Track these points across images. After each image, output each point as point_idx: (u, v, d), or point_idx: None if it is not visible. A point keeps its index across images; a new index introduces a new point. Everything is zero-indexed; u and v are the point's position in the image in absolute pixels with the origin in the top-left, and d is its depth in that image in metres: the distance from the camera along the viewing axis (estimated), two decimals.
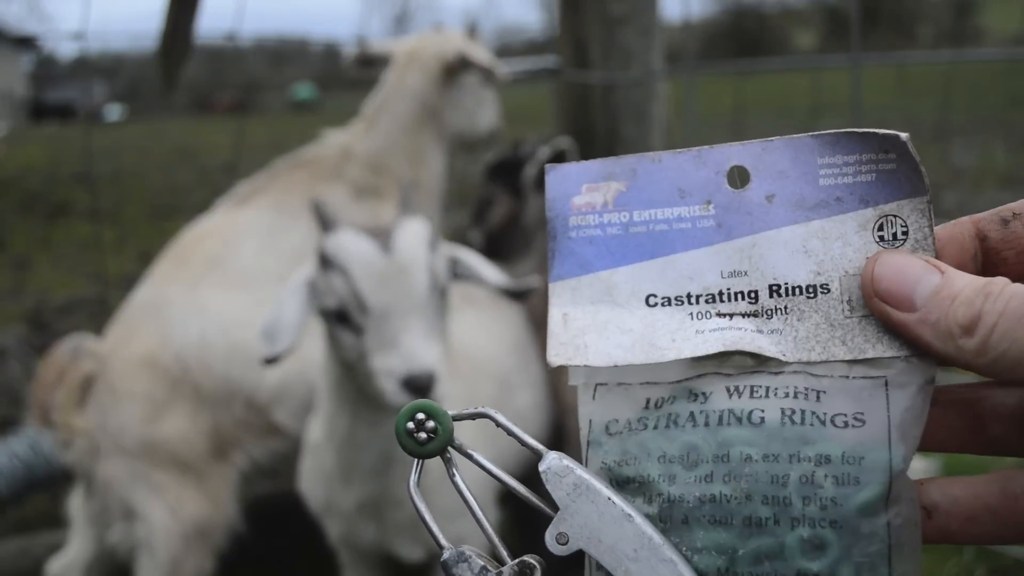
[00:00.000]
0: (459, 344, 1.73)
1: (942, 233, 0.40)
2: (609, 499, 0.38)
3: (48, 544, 2.08)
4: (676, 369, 0.41)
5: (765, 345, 0.39)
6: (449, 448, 0.41)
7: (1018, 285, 0.35)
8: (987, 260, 0.40)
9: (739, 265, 0.40)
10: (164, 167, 9.38)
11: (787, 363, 0.39)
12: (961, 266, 0.40)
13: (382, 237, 1.37)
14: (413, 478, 0.40)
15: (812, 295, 0.40)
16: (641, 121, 2.26)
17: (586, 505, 0.38)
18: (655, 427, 0.40)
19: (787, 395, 0.38)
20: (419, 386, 1.29)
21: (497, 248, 2.09)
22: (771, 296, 0.40)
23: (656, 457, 0.39)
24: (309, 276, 1.40)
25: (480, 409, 0.41)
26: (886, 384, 0.38)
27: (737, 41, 27.38)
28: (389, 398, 1.31)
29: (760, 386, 0.39)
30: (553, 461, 0.39)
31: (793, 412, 0.38)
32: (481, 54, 2.23)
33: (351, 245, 1.36)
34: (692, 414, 0.39)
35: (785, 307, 0.40)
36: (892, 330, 0.38)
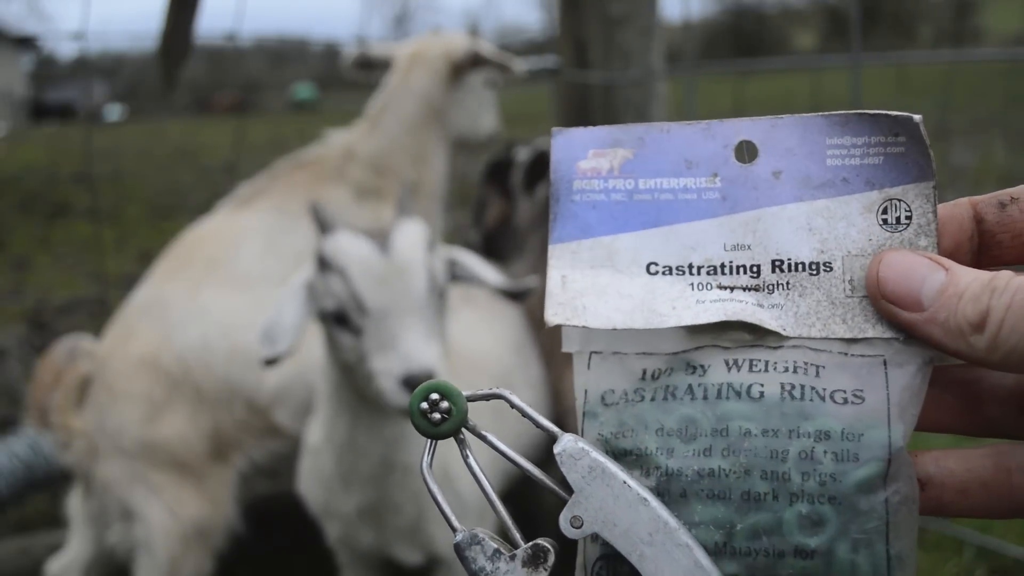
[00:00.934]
0: (459, 344, 1.73)
1: (942, 212, 0.40)
2: (625, 483, 0.37)
3: (48, 544, 2.08)
4: (673, 340, 0.40)
5: (766, 318, 0.39)
6: (463, 430, 0.40)
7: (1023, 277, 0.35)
8: (983, 242, 0.40)
9: (742, 239, 0.40)
10: (164, 167, 9.38)
11: (786, 337, 0.39)
12: (958, 246, 0.40)
13: (380, 239, 1.37)
14: (426, 459, 0.40)
15: (815, 272, 0.40)
16: (641, 121, 2.25)
17: (601, 488, 0.37)
18: (652, 399, 0.39)
19: (787, 369, 0.38)
20: (418, 385, 1.28)
21: (493, 248, 2.09)
22: (773, 271, 0.40)
23: (654, 430, 0.39)
24: (307, 278, 1.40)
25: (495, 390, 0.40)
26: (884, 364, 0.38)
27: (737, 41, 27.38)
28: (388, 398, 1.31)
29: (759, 360, 0.39)
30: (568, 443, 0.38)
31: (793, 387, 0.38)
32: (492, 51, 2.24)
33: (349, 247, 1.36)
34: (691, 387, 0.39)
35: (787, 282, 0.40)
36: (901, 330, 0.38)
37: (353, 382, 1.40)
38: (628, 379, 0.40)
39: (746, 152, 0.41)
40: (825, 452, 0.37)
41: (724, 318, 0.39)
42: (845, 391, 0.38)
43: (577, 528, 0.38)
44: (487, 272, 1.50)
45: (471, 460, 0.40)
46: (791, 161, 0.40)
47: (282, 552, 2.08)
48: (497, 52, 2.24)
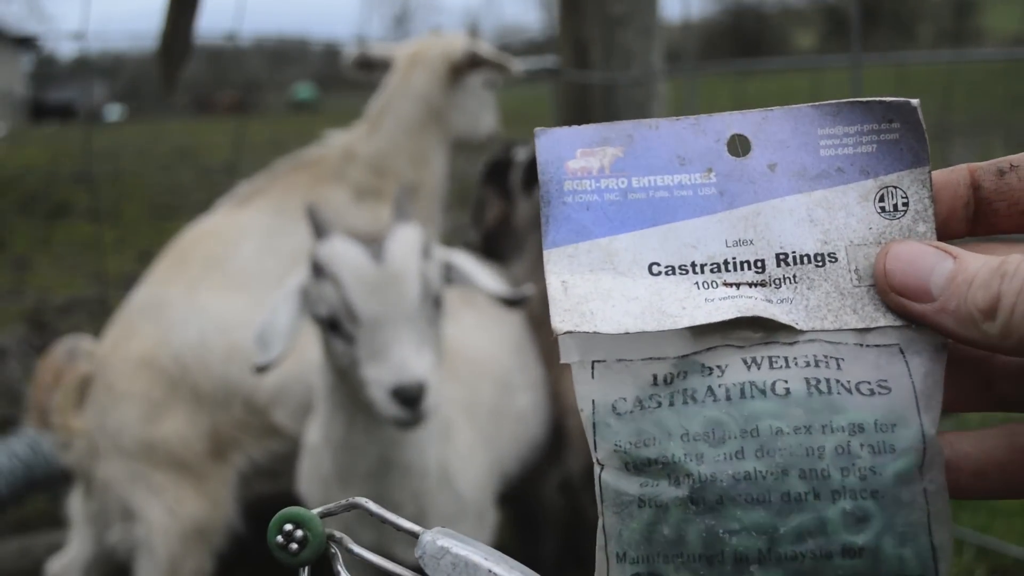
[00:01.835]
0: (458, 346, 1.73)
1: (939, 178, 0.40)
2: (490, 572, 0.37)
3: (48, 544, 2.08)
4: (679, 343, 0.39)
5: (778, 313, 0.38)
6: (331, 543, 0.40)
7: None
8: (979, 209, 0.40)
9: (744, 234, 0.40)
10: (164, 167, 9.38)
11: (799, 332, 0.38)
12: (952, 212, 0.40)
13: (374, 245, 1.36)
14: None
15: (820, 264, 0.39)
16: None
17: None
18: (671, 404, 0.37)
19: (808, 364, 0.37)
20: (409, 396, 1.28)
21: (493, 248, 2.09)
22: (779, 265, 0.39)
23: (678, 435, 0.37)
24: (302, 283, 1.40)
25: (351, 500, 0.40)
26: (901, 351, 0.38)
27: (737, 41, 27.38)
28: (379, 409, 1.30)
29: (778, 356, 0.38)
30: (428, 545, 0.38)
31: (818, 381, 0.37)
32: (490, 51, 2.23)
33: (342, 253, 1.35)
34: (710, 388, 0.37)
35: (794, 276, 0.39)
36: (913, 321, 0.38)
37: (348, 385, 1.40)
38: (637, 386, 0.39)
39: (739, 146, 0.40)
40: (861, 445, 0.36)
41: (737, 314, 0.38)
42: (870, 382, 0.37)
43: None
44: (484, 278, 1.49)
45: (343, 575, 0.39)
46: (785, 153, 0.40)
47: None
48: (495, 52, 2.24)
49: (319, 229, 1.40)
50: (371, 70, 2.31)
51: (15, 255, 5.50)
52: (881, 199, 0.39)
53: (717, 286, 0.39)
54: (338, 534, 0.39)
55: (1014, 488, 0.39)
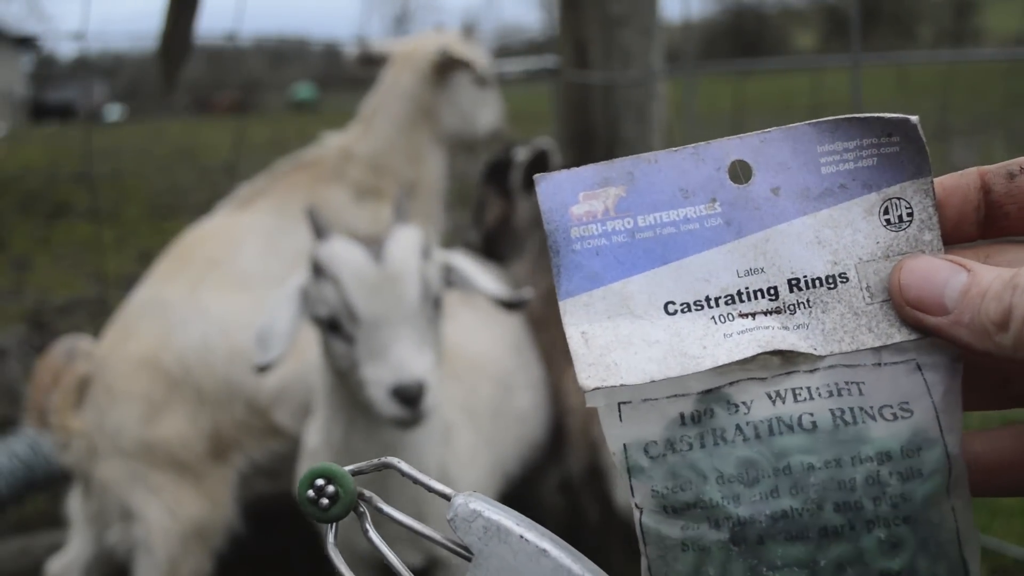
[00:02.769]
0: (458, 346, 1.73)
1: (948, 182, 0.40)
2: (522, 537, 0.37)
3: (48, 544, 2.08)
4: (702, 378, 0.39)
5: (796, 341, 0.39)
6: (360, 502, 0.39)
7: None
8: (989, 213, 0.40)
9: (754, 262, 0.40)
10: (164, 167, 9.38)
11: (818, 358, 0.38)
12: (962, 217, 0.40)
13: (374, 246, 1.36)
14: (330, 538, 0.39)
15: (832, 285, 0.39)
16: (641, 121, 2.25)
17: (499, 547, 0.37)
18: (702, 445, 0.38)
19: (831, 394, 0.38)
20: (409, 396, 1.28)
21: (493, 248, 2.09)
22: (791, 291, 0.39)
23: (714, 478, 0.37)
24: (302, 283, 1.40)
25: (383, 460, 0.39)
26: (919, 367, 0.38)
27: (737, 41, 27.38)
28: (379, 408, 1.30)
29: (800, 387, 0.38)
30: (460, 507, 0.38)
31: (843, 412, 0.37)
32: (469, 52, 2.21)
33: (342, 254, 1.35)
34: (738, 427, 0.38)
35: (808, 300, 0.39)
36: (928, 335, 0.38)
37: (347, 387, 1.40)
38: (664, 425, 0.39)
39: (740, 172, 0.40)
40: (891, 473, 0.36)
41: (758, 350, 0.38)
42: (892, 406, 0.38)
43: None
44: (484, 280, 1.49)
45: (371, 534, 0.39)
46: (787, 175, 0.39)
47: (282, 552, 2.08)
48: (472, 53, 2.22)
49: (319, 230, 1.40)
50: (372, 65, 2.31)
51: (15, 255, 5.50)
52: (886, 211, 0.39)
53: (733, 318, 0.39)
54: (368, 493, 0.39)
55: (1022, 487, 0.40)
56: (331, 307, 1.34)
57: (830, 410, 0.37)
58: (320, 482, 0.39)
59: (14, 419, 2.60)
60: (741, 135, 0.40)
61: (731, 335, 0.39)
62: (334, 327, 1.35)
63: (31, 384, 1.78)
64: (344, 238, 1.38)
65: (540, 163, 1.99)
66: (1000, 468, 0.40)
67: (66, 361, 1.76)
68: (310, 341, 1.55)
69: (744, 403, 0.38)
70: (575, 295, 0.40)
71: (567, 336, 0.40)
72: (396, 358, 1.30)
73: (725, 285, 0.40)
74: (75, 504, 1.82)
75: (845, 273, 0.39)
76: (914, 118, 0.38)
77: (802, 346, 0.39)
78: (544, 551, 0.36)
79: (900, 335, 0.38)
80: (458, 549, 0.38)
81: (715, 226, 0.40)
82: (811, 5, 30.23)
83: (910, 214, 0.39)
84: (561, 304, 0.40)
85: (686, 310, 0.40)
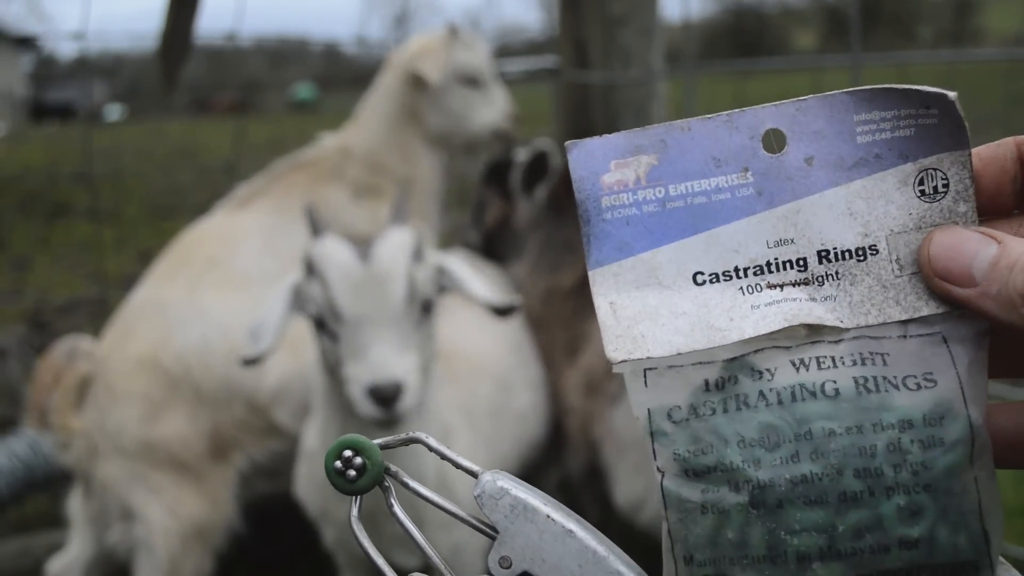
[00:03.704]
0: (457, 345, 1.73)
1: (984, 153, 0.39)
2: (548, 516, 0.37)
3: (48, 544, 2.08)
4: (728, 346, 0.39)
5: (822, 314, 0.39)
6: (386, 477, 0.39)
7: None
8: None
9: (785, 233, 0.39)
10: (164, 167, 9.38)
11: (845, 329, 0.38)
12: (999, 188, 0.39)
13: (363, 246, 1.37)
14: (354, 511, 0.39)
15: (862, 258, 0.39)
16: (641, 121, 2.25)
17: (525, 525, 0.37)
18: (725, 410, 0.38)
19: (854, 363, 0.38)
20: (384, 396, 1.29)
21: (493, 249, 2.09)
22: (820, 262, 0.39)
23: (735, 442, 0.37)
24: (295, 281, 1.41)
25: (412, 434, 0.39)
26: (944, 340, 0.38)
27: (737, 41, 27.38)
28: (357, 408, 1.31)
29: (825, 356, 0.38)
30: (487, 484, 0.38)
31: (866, 380, 0.37)
32: (435, 60, 2.17)
33: (331, 252, 1.36)
34: (761, 393, 0.38)
35: (836, 272, 0.39)
36: (956, 307, 0.38)
37: (337, 386, 1.41)
38: (689, 391, 0.39)
39: (774, 141, 0.40)
40: (912, 441, 0.36)
41: (784, 324, 0.38)
42: (916, 376, 0.38)
43: (506, 568, 0.37)
44: (476, 285, 1.48)
45: (396, 508, 0.39)
46: (821, 144, 0.39)
47: (282, 552, 2.08)
48: (440, 57, 2.18)
49: (315, 228, 1.41)
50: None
51: (15, 255, 5.50)
52: (921, 182, 0.39)
53: (761, 289, 0.39)
54: (394, 467, 0.39)
55: None
56: (318, 305, 1.36)
57: (853, 378, 0.38)
58: (348, 453, 0.38)
59: (14, 419, 2.60)
60: (777, 103, 0.40)
61: (758, 307, 0.39)
62: (321, 324, 1.36)
63: (32, 384, 1.79)
64: (336, 237, 1.39)
65: (540, 164, 1.99)
66: (1023, 442, 0.39)
67: (67, 361, 1.76)
68: (310, 341, 1.55)
69: (768, 370, 0.38)
70: (605, 265, 0.40)
71: (595, 306, 0.40)
72: (374, 358, 1.31)
73: (754, 256, 0.39)
74: (75, 504, 1.82)
75: (875, 245, 0.39)
76: (952, 94, 0.38)
77: (829, 319, 0.39)
78: (570, 532, 0.37)
79: (928, 308, 0.38)
80: (482, 527, 0.38)
81: (746, 196, 0.39)
82: (811, 5, 30.22)
83: (945, 185, 0.38)
84: (591, 274, 0.40)
85: (714, 280, 0.40)
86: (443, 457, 0.39)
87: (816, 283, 0.39)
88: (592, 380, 1.79)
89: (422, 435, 0.39)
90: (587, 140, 0.40)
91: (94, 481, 1.74)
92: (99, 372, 1.77)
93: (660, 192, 0.40)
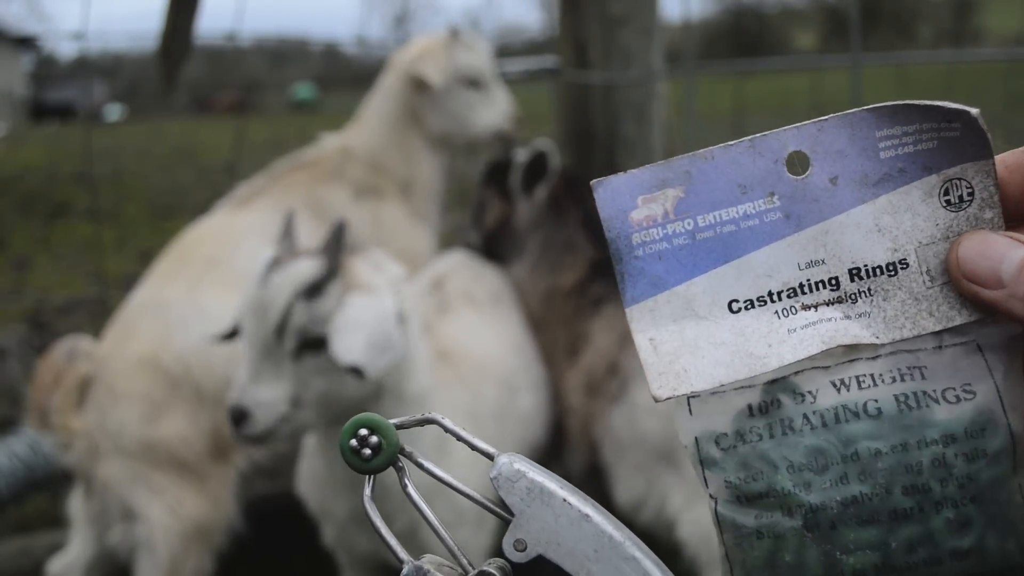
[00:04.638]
0: (461, 346, 1.73)
1: (1009, 160, 0.40)
2: (565, 500, 0.37)
3: (48, 544, 2.08)
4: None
5: (858, 331, 0.39)
6: (400, 457, 0.39)
7: None
8: None
9: (815, 254, 0.40)
10: (164, 167, 9.37)
11: (881, 345, 0.39)
12: None
13: (275, 267, 1.36)
14: (367, 491, 0.39)
15: (892, 272, 0.39)
16: (641, 121, 2.25)
17: (542, 509, 0.37)
18: (771, 436, 0.39)
19: (893, 379, 0.38)
20: (231, 416, 1.30)
21: (493, 249, 2.09)
22: (852, 280, 0.40)
23: (784, 467, 0.38)
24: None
25: (427, 415, 0.39)
26: (979, 348, 0.38)
27: (737, 41, 27.38)
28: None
29: (864, 375, 0.39)
30: (504, 466, 0.38)
31: (907, 396, 0.38)
32: (436, 62, 2.17)
33: (258, 265, 1.38)
34: (806, 416, 0.39)
35: (868, 289, 0.39)
36: (984, 308, 0.38)
37: None
38: (733, 416, 0.40)
39: (798, 163, 0.40)
40: (956, 455, 0.37)
41: (823, 347, 0.39)
42: (955, 388, 0.38)
43: (521, 551, 0.37)
44: (350, 340, 1.30)
45: (410, 489, 0.39)
46: (845, 163, 0.39)
47: (282, 552, 2.08)
48: (439, 59, 2.18)
49: (284, 235, 1.42)
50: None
51: (15, 255, 5.50)
52: (946, 192, 0.39)
53: (796, 311, 0.40)
54: (408, 448, 0.39)
55: None
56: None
57: (894, 395, 0.38)
58: (363, 432, 0.38)
59: (14, 419, 2.60)
60: (797, 125, 0.40)
61: (795, 330, 0.39)
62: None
63: (32, 384, 1.79)
64: (280, 248, 1.39)
65: (539, 164, 1.99)
66: None
67: (67, 361, 1.76)
68: None
69: (810, 392, 0.39)
70: (640, 301, 0.40)
71: (635, 343, 0.40)
72: (236, 378, 1.34)
73: (787, 279, 0.40)
74: (76, 504, 1.82)
75: (905, 259, 0.39)
76: (974, 110, 0.38)
77: (865, 336, 0.39)
78: (587, 516, 0.37)
79: (961, 317, 0.39)
80: (497, 509, 0.38)
81: (775, 220, 0.40)
82: (811, 5, 30.22)
83: (971, 194, 0.39)
84: (628, 311, 0.41)
85: (750, 307, 0.40)
86: (458, 438, 0.39)
87: (849, 301, 0.40)
88: (592, 380, 1.79)
89: (438, 416, 0.39)
90: (612, 177, 0.40)
91: (95, 481, 1.74)
92: (99, 372, 1.77)
93: (689, 224, 0.40)
